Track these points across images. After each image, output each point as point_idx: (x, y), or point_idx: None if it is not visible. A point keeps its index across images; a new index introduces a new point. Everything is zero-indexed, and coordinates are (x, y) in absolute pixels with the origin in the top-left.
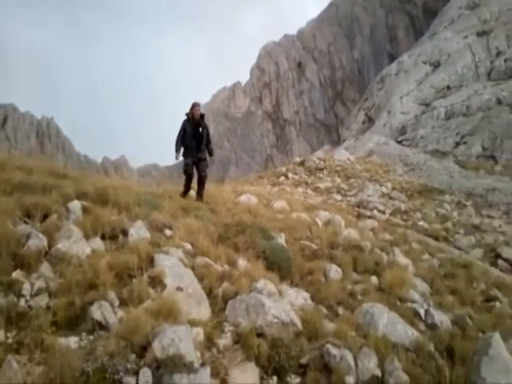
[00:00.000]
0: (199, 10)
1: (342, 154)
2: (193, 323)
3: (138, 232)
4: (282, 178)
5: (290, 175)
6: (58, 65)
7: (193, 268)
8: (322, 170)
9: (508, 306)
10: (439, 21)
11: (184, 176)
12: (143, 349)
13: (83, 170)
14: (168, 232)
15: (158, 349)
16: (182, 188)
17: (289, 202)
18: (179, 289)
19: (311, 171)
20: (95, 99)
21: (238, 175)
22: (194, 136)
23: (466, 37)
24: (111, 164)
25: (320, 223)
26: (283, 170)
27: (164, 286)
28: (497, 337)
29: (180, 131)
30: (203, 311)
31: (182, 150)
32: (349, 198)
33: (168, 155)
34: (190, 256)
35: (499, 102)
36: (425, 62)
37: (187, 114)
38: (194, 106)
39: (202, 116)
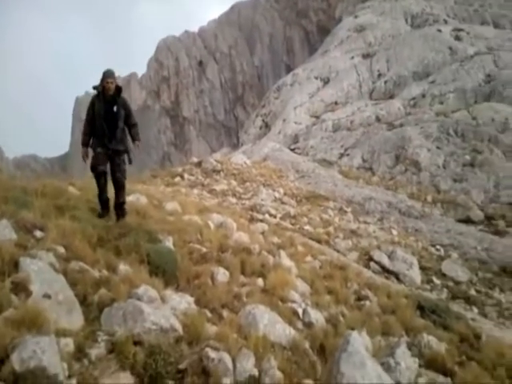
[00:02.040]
0: None
1: (239, 158)
2: (61, 333)
3: (3, 232)
4: (178, 179)
5: (186, 176)
6: None
7: (65, 273)
8: (218, 172)
9: (377, 305)
10: (330, 40)
11: (94, 177)
12: (0, 362)
13: None
14: (38, 233)
15: (16, 361)
16: (63, 184)
17: (182, 203)
18: (47, 296)
19: (208, 173)
20: None
21: (132, 172)
22: (105, 118)
23: (352, 57)
24: None
25: (212, 226)
26: (179, 170)
27: (29, 293)
28: (355, 334)
29: (87, 113)
30: (75, 320)
31: (91, 140)
32: (243, 202)
33: (49, 145)
34: (62, 260)
35: (378, 119)
36: (316, 77)
37: (96, 88)
38: (106, 76)
39: (119, 90)
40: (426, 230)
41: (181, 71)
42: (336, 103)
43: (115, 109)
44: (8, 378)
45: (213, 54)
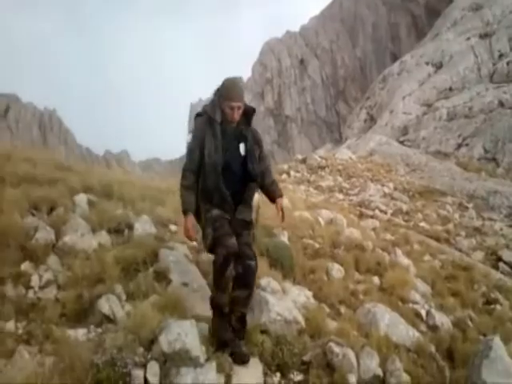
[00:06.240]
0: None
1: (343, 153)
2: (198, 318)
3: (144, 227)
4: (284, 176)
5: (291, 173)
6: (57, 54)
7: (197, 264)
8: (323, 168)
9: (508, 309)
10: (442, 22)
11: (216, 261)
12: (150, 343)
13: (85, 163)
14: (173, 227)
15: (164, 343)
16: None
17: (291, 199)
18: (184, 284)
19: (313, 169)
20: (93, 89)
21: None
22: (228, 165)
23: (468, 38)
24: (113, 157)
25: (322, 222)
26: (285, 167)
27: (169, 281)
28: (498, 340)
29: (191, 155)
30: (207, 307)
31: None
32: (351, 197)
33: (169, 149)
34: (194, 252)
35: (501, 104)
36: (427, 63)
37: (202, 114)
38: (232, 95)
39: (250, 113)
40: None
41: (283, 71)
42: (451, 89)
43: (242, 148)
44: (159, 358)
45: (314, 50)
